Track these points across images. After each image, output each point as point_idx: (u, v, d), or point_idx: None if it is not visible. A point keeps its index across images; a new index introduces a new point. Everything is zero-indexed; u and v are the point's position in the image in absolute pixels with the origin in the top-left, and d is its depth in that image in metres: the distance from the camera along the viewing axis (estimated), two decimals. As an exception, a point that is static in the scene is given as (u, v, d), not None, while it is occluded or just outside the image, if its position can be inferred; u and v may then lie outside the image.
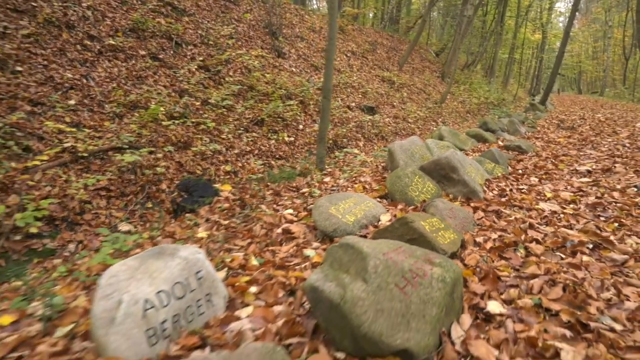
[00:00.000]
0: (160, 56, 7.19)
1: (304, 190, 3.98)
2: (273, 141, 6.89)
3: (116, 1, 7.62)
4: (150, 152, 4.83)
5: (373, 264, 1.49)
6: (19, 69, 5.23)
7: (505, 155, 4.97)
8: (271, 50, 10.04)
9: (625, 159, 4.89)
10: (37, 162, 4.16)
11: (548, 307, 1.76)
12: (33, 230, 3.43)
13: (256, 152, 6.40)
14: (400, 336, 1.38)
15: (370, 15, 24.50)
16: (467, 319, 1.66)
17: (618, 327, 1.62)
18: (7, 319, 1.82)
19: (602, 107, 15.47)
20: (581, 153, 5.48)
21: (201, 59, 7.76)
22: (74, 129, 4.73)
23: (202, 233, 2.90)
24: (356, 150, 6.58)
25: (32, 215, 3.42)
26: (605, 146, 5.85)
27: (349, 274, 1.51)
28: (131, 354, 1.39)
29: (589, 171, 4.41)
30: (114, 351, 1.38)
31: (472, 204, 3.20)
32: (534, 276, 2.04)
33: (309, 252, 2.31)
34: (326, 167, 5.39)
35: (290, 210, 3.21)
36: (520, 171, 4.52)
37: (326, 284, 1.45)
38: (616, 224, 2.75)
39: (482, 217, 2.94)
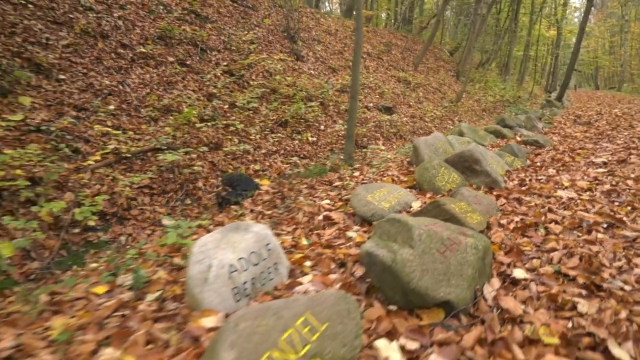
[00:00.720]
0: (188, 62, 7.58)
1: (337, 183, 4.31)
2: (297, 141, 7.23)
3: (144, 11, 8.05)
4: (186, 153, 5.19)
5: (417, 233, 1.80)
6: (62, 77, 5.64)
7: (524, 149, 5.23)
8: (290, 54, 10.40)
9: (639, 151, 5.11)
10: (87, 163, 4.55)
11: (566, 273, 2.05)
12: (91, 223, 3.80)
13: (282, 151, 6.74)
14: (443, 290, 1.68)
15: (383, 16, 24.76)
16: (496, 282, 1.96)
17: (627, 287, 1.90)
18: (101, 289, 2.17)
19: (620, 103, 15.52)
20: (597, 146, 5.70)
21: (225, 63, 8.15)
22: (118, 132, 5.11)
23: (249, 220, 3.24)
24: (382, 147, 6.89)
25: (89, 210, 3.79)
26: (621, 139, 6.06)
27: (396, 242, 1.82)
28: (221, 308, 1.72)
29: (604, 162, 4.65)
30: (207, 305, 1.71)
31: (494, 193, 3.48)
32: (554, 250, 2.32)
33: (351, 233, 2.63)
34: (354, 163, 5.70)
35: (327, 201, 3.53)
36: (538, 163, 4.78)
37: (379, 250, 1.77)
38: (629, 208, 3.01)
39: (504, 204, 3.22)
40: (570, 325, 1.63)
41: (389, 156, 5.54)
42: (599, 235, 2.52)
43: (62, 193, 4.17)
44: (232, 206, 4.21)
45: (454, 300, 1.67)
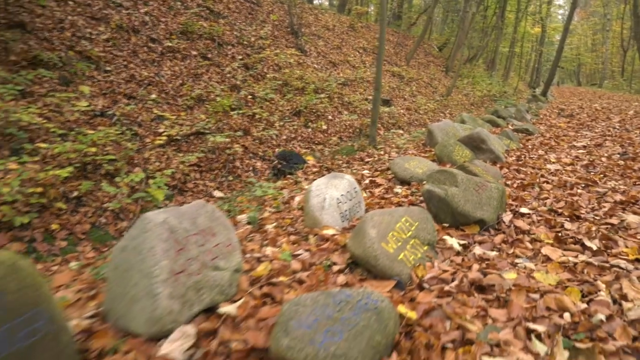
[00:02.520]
0: (209, 56, 8.44)
1: (367, 159, 5.29)
2: (310, 129, 8.16)
3: (165, 7, 8.86)
4: (227, 137, 6.07)
5: (460, 178, 2.78)
6: (109, 68, 6.46)
7: (516, 135, 6.29)
8: (295, 49, 11.30)
9: (614, 138, 6.22)
10: (145, 144, 5.41)
11: (556, 210, 3.06)
12: (159, 196, 4.67)
13: (299, 138, 7.67)
14: (478, 213, 2.66)
15: (371, 9, 25.78)
16: (509, 214, 2.96)
17: (597, 216, 2.92)
18: (227, 224, 3.08)
19: (600, 98, 16.91)
20: (578, 134, 6.81)
21: (240, 57, 9.02)
22: (171, 116, 5.98)
23: (306, 185, 4.18)
24: (400, 131, 7.88)
25: (162, 181, 4.68)
26: (599, 129, 7.20)
27: (445, 184, 2.80)
28: (333, 225, 2.67)
29: (584, 146, 5.74)
30: (325, 223, 2.65)
31: (498, 165, 4.51)
32: (546, 198, 3.34)
33: (397, 189, 3.60)
34: (377, 145, 6.70)
35: (366, 171, 4.49)
36: (529, 146, 5.85)
37: (435, 188, 2.74)
38: (601, 175, 4.07)
39: (506, 173, 4.24)
40: (559, 234, 2.63)
41: (406, 139, 6.55)
42: (579, 191, 3.56)
43: (132, 168, 5.03)
44: (288, 176, 5.15)
45: (486, 219, 2.66)
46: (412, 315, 1.72)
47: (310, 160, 5.70)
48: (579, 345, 1.54)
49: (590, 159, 4.79)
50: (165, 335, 1.55)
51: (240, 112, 7.03)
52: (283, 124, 7.72)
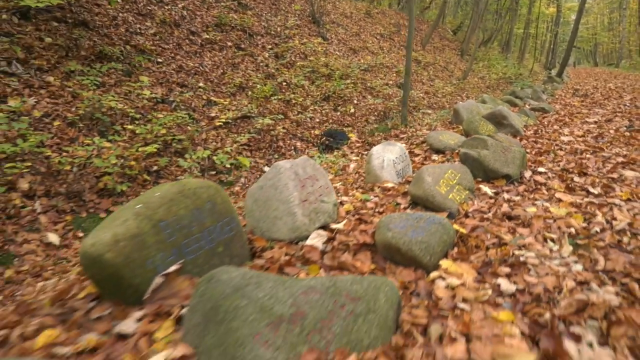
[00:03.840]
0: (242, 46, 9.24)
1: (402, 136, 6.09)
2: (339, 113, 8.94)
3: (198, 1, 9.64)
4: (272, 119, 6.89)
5: (490, 142, 3.57)
6: (160, 60, 7.29)
7: (533, 114, 7.03)
8: (318, 37, 12.05)
9: (624, 113, 6.93)
10: (202, 126, 6.24)
11: (568, 169, 3.84)
12: (227, 165, 5.51)
13: (330, 120, 8.46)
14: (505, 169, 3.45)
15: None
16: (529, 172, 3.74)
17: (601, 173, 3.70)
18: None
19: (615, 78, 17.43)
20: (591, 111, 7.52)
21: (270, 47, 9.81)
22: (223, 101, 6.80)
23: (354, 157, 4.98)
24: (429, 111, 8.66)
25: (225, 157, 5.52)
26: (610, 106, 7.89)
27: (478, 148, 3.59)
28: (391, 180, 3.48)
29: (595, 121, 6.47)
30: (384, 179, 3.46)
31: (517, 138, 5.28)
32: (559, 161, 4.12)
33: (434, 157, 4.40)
34: (408, 123, 7.50)
35: (403, 145, 5.29)
36: (545, 122, 6.59)
37: (470, 151, 3.53)
38: (608, 144, 4.82)
39: (525, 143, 5.01)
40: (570, 185, 3.42)
41: (434, 118, 7.33)
42: (587, 156, 4.32)
43: (195, 147, 5.87)
44: (335, 151, 5.98)
45: (511, 174, 3.45)
46: (463, 230, 2.53)
47: (353, 137, 6.51)
48: (579, 242, 2.35)
49: (600, 132, 5.53)
50: (300, 240, 2.38)
51: (278, 97, 7.83)
52: (315, 108, 8.51)
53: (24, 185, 4.20)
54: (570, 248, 2.30)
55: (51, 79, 5.57)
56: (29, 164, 4.23)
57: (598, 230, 2.50)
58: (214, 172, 5.66)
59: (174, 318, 1.67)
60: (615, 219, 2.64)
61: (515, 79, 19.14)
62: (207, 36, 8.67)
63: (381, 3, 24.02)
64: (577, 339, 1.53)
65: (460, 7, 29.60)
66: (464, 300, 1.84)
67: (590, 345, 1.49)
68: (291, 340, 1.35)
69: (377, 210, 2.85)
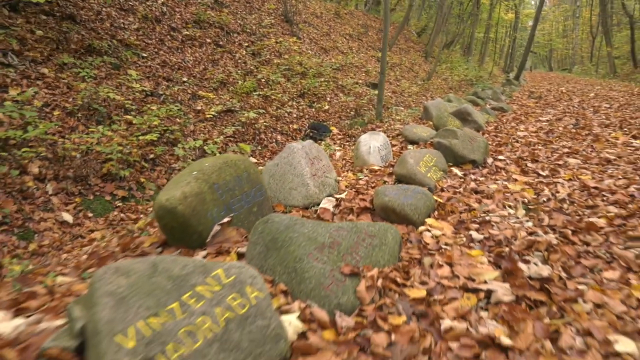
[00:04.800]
0: (221, 43, 9.70)
1: (378, 130, 6.78)
2: (313, 109, 9.55)
3: (176, -3, 10.02)
4: (256, 113, 7.42)
5: (459, 133, 4.28)
6: (144, 55, 7.69)
7: (493, 112, 7.88)
8: (290, 36, 12.62)
9: (572, 114, 7.89)
10: (189, 119, 6.71)
11: (522, 157, 4.61)
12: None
13: (306, 116, 9.06)
14: (471, 155, 4.17)
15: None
16: (491, 159, 4.48)
17: (550, 160, 4.48)
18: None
19: (568, 82, 18.88)
20: (544, 111, 8.46)
21: (246, 44, 10.31)
22: (207, 95, 7.28)
23: (337, 147, 5.60)
24: (401, 108, 9.39)
25: (214, 147, 6.03)
26: (561, 107, 8.87)
27: (449, 138, 4.29)
28: (377, 164, 4.13)
29: (547, 120, 7.36)
30: (371, 162, 4.11)
31: (480, 132, 6.06)
32: (516, 151, 4.89)
33: (409, 147, 5.09)
34: (383, 119, 8.20)
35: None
36: (504, 120, 7.44)
37: (442, 140, 4.23)
38: (557, 138, 5.66)
39: (487, 137, 5.79)
40: (524, 169, 4.16)
41: (405, 114, 8.08)
42: (539, 147, 5.12)
43: (185, 138, 6.35)
44: (319, 142, 6.58)
45: (477, 159, 4.18)
46: (440, 200, 3.20)
47: (334, 130, 7.14)
48: (530, 207, 3.06)
49: (551, 128, 6.40)
50: (312, 206, 2.99)
51: (258, 93, 8.37)
52: (292, 104, 9.09)
53: (34, 169, 4.59)
54: (523, 211, 3.01)
55: (46, 70, 5.91)
56: (43, 149, 4.63)
57: (545, 200, 3.23)
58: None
59: (234, 254, 2.25)
60: (558, 192, 3.38)
61: (476, 81, 20.33)
62: (187, 32, 9.10)
63: (348, 4, 24.83)
64: (526, 262, 2.21)
65: (424, 9, 30.79)
66: (446, 244, 2.50)
67: (536, 264, 2.16)
68: (332, 259, 1.96)
69: (369, 185, 3.49)
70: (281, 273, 1.92)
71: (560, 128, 6.42)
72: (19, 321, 1.59)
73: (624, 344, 1.60)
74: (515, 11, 30.58)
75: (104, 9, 7.93)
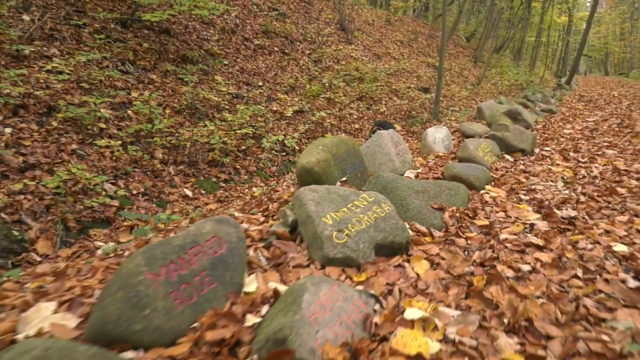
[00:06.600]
0: (287, 51, 10.98)
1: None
2: (371, 111, 10.66)
3: (245, 10, 11.40)
4: (325, 114, 8.59)
5: (511, 127, 5.28)
6: (225, 62, 9.01)
7: (542, 114, 8.76)
8: (346, 43, 13.81)
9: (618, 115, 8.66)
10: (269, 118, 7.96)
11: (566, 149, 5.55)
12: (295, 147, 7.21)
13: (365, 117, 10.18)
14: (521, 145, 5.17)
15: None
16: (537, 149, 5.45)
17: (590, 151, 5.40)
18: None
19: (622, 87, 19.23)
20: (592, 113, 9.25)
21: (308, 52, 11.56)
22: (287, 97, 8.52)
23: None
24: (456, 108, 10.41)
25: (293, 141, 7.22)
26: (609, 109, 9.62)
27: (502, 131, 5.30)
28: (441, 151, 5.18)
29: (594, 120, 8.19)
30: (436, 151, 5.17)
31: (529, 129, 7.00)
32: (561, 145, 5.83)
33: (466, 141, 6.11)
34: (439, 118, 9.25)
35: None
36: (552, 120, 8.32)
37: (496, 132, 5.24)
38: (600, 135, 6.54)
39: (535, 133, 6.72)
40: (566, 157, 5.12)
41: (460, 114, 9.09)
42: (582, 141, 6.03)
43: (267, 133, 7.58)
44: None
45: (525, 149, 5.16)
46: (496, 175, 4.23)
47: (397, 127, 8.25)
48: (568, 180, 4.05)
49: (595, 127, 7.25)
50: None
51: (324, 96, 9.56)
52: (352, 106, 10.24)
53: (159, 155, 5.90)
54: (562, 184, 4.00)
55: (154, 76, 7.29)
56: (162, 139, 5.93)
57: (580, 177, 4.20)
58: (284, 153, 7.36)
59: (353, 200, 3.37)
60: (592, 171, 4.35)
61: (526, 86, 20.92)
62: (258, 42, 10.42)
63: (397, 11, 25.89)
64: (560, 209, 3.22)
65: (473, 14, 31.43)
66: (501, 200, 3.54)
67: (567, 210, 3.18)
68: (425, 199, 3.05)
69: (437, 165, 4.56)
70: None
71: (605, 127, 7.26)
72: (245, 225, 2.77)
73: (619, 247, 2.60)
74: (569, 14, 30.79)
75: (190, 23, 9.34)
